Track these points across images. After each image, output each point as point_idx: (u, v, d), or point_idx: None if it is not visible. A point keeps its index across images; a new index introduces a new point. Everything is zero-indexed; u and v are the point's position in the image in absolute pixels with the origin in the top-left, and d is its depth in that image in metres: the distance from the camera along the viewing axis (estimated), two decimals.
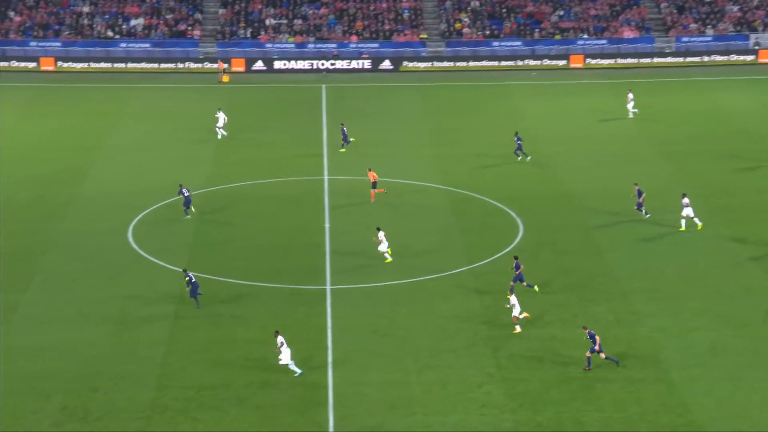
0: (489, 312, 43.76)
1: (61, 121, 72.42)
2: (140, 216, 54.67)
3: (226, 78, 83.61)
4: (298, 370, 39.13)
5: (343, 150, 64.73)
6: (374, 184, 56.28)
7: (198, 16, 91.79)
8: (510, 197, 56.40)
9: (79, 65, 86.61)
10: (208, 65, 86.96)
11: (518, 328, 42.01)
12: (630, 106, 72.10)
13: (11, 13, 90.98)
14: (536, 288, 45.25)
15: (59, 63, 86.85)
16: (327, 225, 53.55)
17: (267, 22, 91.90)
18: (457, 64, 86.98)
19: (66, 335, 41.75)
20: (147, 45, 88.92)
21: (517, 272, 44.92)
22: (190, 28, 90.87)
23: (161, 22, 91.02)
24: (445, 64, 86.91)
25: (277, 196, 57.71)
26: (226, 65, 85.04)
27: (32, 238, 51.45)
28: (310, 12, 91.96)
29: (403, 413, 36.81)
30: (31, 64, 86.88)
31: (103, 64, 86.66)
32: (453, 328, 42.79)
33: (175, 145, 67.07)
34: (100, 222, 53.90)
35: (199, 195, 57.23)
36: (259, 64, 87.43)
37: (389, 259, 48.60)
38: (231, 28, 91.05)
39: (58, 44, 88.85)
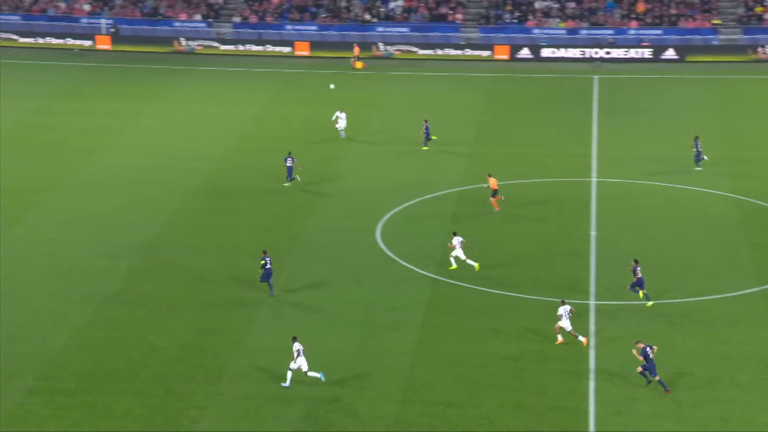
0: None
1: (312, 109, 73.46)
2: (390, 214, 54.46)
3: (359, 65, 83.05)
4: (319, 375, 38.18)
5: (426, 148, 63.00)
6: (495, 192, 53.75)
7: None
8: None
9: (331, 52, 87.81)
10: (469, 52, 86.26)
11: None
12: None
13: None
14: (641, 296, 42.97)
15: (313, 49, 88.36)
16: (593, 233, 51.72)
17: (536, 5, 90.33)
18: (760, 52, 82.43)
19: (310, 338, 41.80)
20: (405, 29, 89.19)
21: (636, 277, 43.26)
22: (451, 11, 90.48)
23: (422, 5, 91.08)
24: (740, 54, 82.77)
25: (538, 198, 56.30)
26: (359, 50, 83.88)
27: (279, 233, 52.07)
28: None
29: None
30: (286, 49, 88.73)
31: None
32: (738, 357, 40.18)
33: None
34: (349, 219, 54.02)
35: (451, 194, 56.55)
36: (524, 52, 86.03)
37: (454, 265, 47.08)
38: (496, 12, 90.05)
39: (314, 28, 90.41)
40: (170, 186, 58.21)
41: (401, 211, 54.95)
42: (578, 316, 42.79)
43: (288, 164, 57.24)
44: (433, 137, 64.37)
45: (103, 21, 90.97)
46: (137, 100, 74.74)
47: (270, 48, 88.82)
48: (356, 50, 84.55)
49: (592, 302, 44.84)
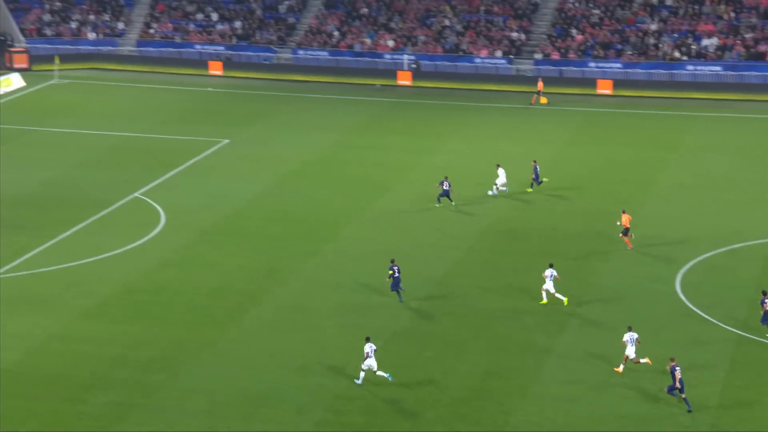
0: None
1: (613, 149, 72.86)
2: (692, 263, 53.25)
3: (544, 100, 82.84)
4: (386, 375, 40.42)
5: (530, 190, 62.50)
6: (626, 230, 53.68)
7: None
8: None
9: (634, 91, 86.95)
10: None
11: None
12: None
13: (573, 31, 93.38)
14: None
15: (616, 87, 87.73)
16: None
17: None
18: None
19: (596, 388, 41.39)
20: (718, 68, 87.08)
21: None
22: None
23: (738, 41, 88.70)
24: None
25: None
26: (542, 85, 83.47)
27: (571, 277, 51.81)
28: None
29: None
30: (588, 88, 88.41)
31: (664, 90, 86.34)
32: None
33: (736, 184, 64.84)
34: (646, 266, 53.22)
35: (762, 245, 54.68)
36: None
37: (545, 300, 47.93)
38: None
39: (618, 65, 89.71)
40: (462, 223, 59.08)
41: (705, 260, 53.61)
42: None
43: (444, 187, 59.73)
44: (545, 179, 63.25)
45: (405, 57, 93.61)
46: (433, 137, 76.35)
47: (571, 87, 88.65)
48: (540, 85, 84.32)
49: None
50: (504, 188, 62.96)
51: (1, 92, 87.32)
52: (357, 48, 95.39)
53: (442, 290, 50.73)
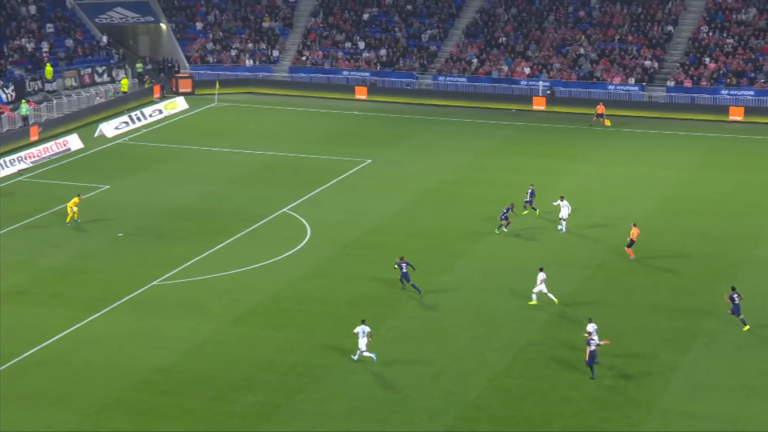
0: None
1: (743, 174, 71.30)
2: None
3: (608, 122, 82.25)
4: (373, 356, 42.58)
5: (525, 212, 61.20)
6: (631, 243, 54.25)
7: None
8: None
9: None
10: None
11: None
12: None
13: (706, 60, 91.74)
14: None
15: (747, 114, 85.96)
16: None
17: None
18: None
19: (725, 406, 40.53)
20: None
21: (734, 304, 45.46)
22: None
23: None
24: None
25: None
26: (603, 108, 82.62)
27: (699, 297, 50.91)
28: None
29: None
30: (720, 115, 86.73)
31: None
32: None
33: None
34: None
35: None
36: None
37: (534, 301, 48.99)
38: None
39: (751, 93, 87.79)
40: (591, 242, 58.44)
41: None
42: None
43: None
44: (536, 211, 61.87)
45: (541, 83, 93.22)
46: (564, 159, 75.79)
47: (703, 113, 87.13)
48: (600, 109, 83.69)
49: None
50: (562, 223, 59.10)
51: (168, 114, 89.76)
52: (495, 75, 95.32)
53: (571, 306, 50.22)
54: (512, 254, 57.09)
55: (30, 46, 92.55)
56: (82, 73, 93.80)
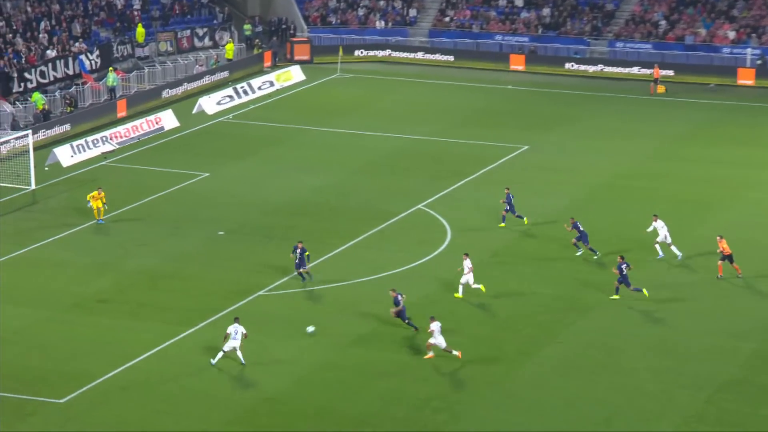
0: None
1: None
2: None
3: (661, 89, 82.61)
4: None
5: (502, 225, 60.90)
6: (727, 257, 53.73)
7: None
8: None
9: None
10: None
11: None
12: None
13: None
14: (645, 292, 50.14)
15: None
16: None
17: None
18: None
19: None
20: None
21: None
22: None
23: None
24: None
25: None
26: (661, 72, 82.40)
27: None
28: None
29: None
30: None
31: None
32: None
33: None
34: None
35: None
36: None
37: (460, 294, 52.00)
38: None
39: None
40: None
41: None
42: None
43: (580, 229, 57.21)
44: (524, 220, 60.79)
45: (749, 51, 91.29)
46: None
47: None
48: (656, 71, 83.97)
49: None
50: (660, 244, 57.19)
51: (280, 87, 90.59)
52: (689, 40, 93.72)
53: None
54: (706, 267, 56.14)
55: (119, 3, 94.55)
56: (179, 35, 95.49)
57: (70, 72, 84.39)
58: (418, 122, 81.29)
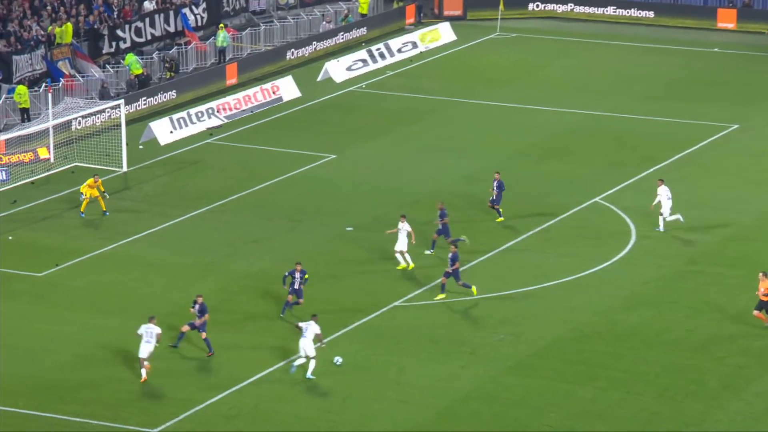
0: None
1: None
2: None
3: None
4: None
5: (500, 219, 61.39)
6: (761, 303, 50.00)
7: None
8: None
9: None
10: None
11: None
12: None
13: None
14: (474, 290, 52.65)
15: None
16: None
17: None
18: None
19: None
20: None
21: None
22: None
23: None
24: None
25: None
26: None
27: None
28: None
29: None
30: None
31: None
32: None
33: None
34: None
35: None
36: None
37: (402, 265, 55.28)
38: None
39: None
40: None
41: None
42: None
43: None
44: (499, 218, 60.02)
45: None
46: None
47: None
48: None
49: None
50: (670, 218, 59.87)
51: (425, 49, 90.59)
52: None
53: None
54: None
55: None
56: None
57: (171, 29, 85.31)
58: (596, 95, 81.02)
